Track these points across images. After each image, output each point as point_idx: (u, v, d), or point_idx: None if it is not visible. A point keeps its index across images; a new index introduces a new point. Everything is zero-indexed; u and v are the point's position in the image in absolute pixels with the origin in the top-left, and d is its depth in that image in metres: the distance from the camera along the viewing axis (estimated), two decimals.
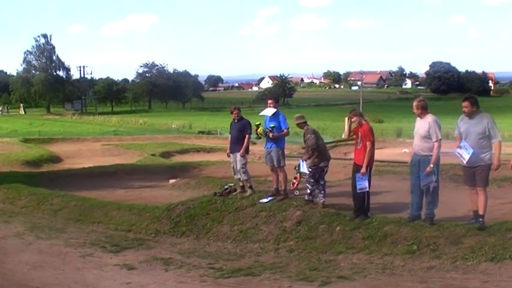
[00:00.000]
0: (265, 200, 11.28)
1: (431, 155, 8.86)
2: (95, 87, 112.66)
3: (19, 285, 8.02)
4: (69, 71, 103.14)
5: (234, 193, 12.09)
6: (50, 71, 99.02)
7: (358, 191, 9.66)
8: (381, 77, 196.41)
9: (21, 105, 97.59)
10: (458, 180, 12.20)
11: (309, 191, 10.91)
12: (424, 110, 9.07)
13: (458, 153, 8.71)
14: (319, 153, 10.77)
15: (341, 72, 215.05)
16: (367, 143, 9.57)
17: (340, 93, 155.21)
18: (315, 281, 7.57)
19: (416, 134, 9.19)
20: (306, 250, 9.49)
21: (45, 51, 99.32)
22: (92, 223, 12.49)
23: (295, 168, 12.85)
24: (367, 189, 9.65)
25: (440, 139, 8.89)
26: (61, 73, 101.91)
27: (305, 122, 11.00)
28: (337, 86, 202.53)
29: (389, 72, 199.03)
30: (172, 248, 10.36)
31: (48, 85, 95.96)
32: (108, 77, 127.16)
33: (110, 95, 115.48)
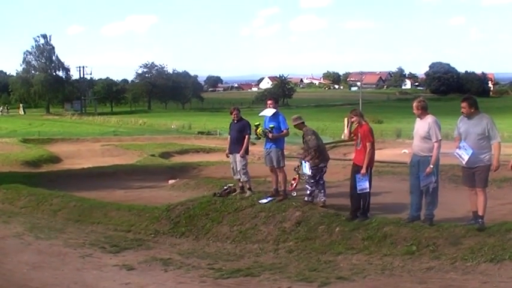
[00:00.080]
0: (264, 201, 11.27)
1: (430, 156, 8.87)
2: (95, 87, 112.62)
3: (18, 286, 8.02)
4: (69, 71, 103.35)
5: (233, 194, 12.09)
6: (49, 71, 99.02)
7: (358, 192, 9.67)
8: (381, 77, 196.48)
9: (21, 105, 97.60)
10: (457, 181, 12.20)
11: (308, 191, 10.92)
12: (424, 111, 9.08)
13: (458, 153, 8.72)
14: (319, 153, 10.82)
15: (340, 73, 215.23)
16: (367, 144, 9.58)
17: (340, 94, 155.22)
18: (314, 281, 7.58)
19: (415, 134, 9.19)
20: (305, 251, 9.49)
21: (44, 51, 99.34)
22: (91, 223, 12.49)
23: (295, 169, 12.84)
24: (368, 190, 9.66)
25: (440, 140, 8.89)
26: (61, 73, 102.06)
27: (303, 123, 11.04)
28: (336, 86, 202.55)
29: (389, 73, 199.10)
30: (172, 248, 10.36)
31: (47, 85, 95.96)
32: (107, 78, 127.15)
33: (109, 95, 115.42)
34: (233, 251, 10.04)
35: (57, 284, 8.08)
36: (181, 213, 11.75)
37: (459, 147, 8.69)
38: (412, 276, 7.68)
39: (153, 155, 30.53)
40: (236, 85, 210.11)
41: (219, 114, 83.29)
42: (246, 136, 11.72)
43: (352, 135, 9.97)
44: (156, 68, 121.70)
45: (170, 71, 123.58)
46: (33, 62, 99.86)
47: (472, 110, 8.69)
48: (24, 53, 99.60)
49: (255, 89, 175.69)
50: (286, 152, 12.08)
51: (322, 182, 10.90)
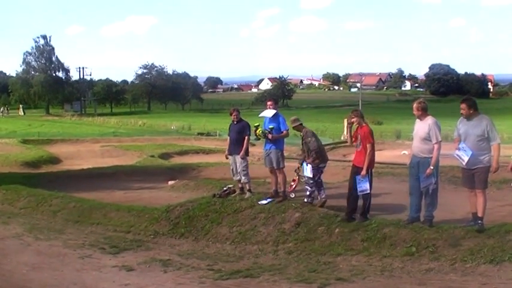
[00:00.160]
0: (264, 202, 11.27)
1: (430, 157, 8.87)
2: (94, 88, 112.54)
3: (18, 287, 8.02)
4: (69, 72, 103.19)
5: (233, 195, 12.09)
6: (49, 72, 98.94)
7: (359, 193, 9.67)
8: (380, 79, 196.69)
9: (21, 106, 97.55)
10: (457, 182, 12.21)
11: (308, 192, 10.93)
12: (424, 112, 9.08)
13: (457, 155, 8.73)
14: (320, 155, 10.90)
15: (340, 74, 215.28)
16: (367, 145, 9.58)
17: (339, 95, 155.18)
18: (313, 282, 7.58)
19: (415, 135, 9.20)
20: (304, 252, 9.49)
21: (44, 52, 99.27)
22: (90, 224, 12.48)
23: (295, 170, 12.83)
24: (368, 191, 9.66)
25: (440, 141, 8.90)
26: (60, 74, 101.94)
27: (301, 124, 11.08)
28: (336, 87, 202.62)
29: (389, 74, 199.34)
30: (171, 249, 10.36)
31: (47, 86, 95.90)
32: (107, 78, 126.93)
33: (109, 96, 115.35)
34: (232, 252, 10.04)
35: (57, 284, 8.08)
36: (180, 214, 11.74)
37: (459, 149, 8.70)
38: (411, 278, 7.68)
39: (152, 156, 30.51)
40: (236, 86, 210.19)
41: (219, 115, 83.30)
42: (246, 137, 11.72)
43: (353, 137, 9.97)
44: (155, 68, 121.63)
45: (170, 71, 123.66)
46: (33, 63, 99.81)
47: (471, 112, 8.70)
48: (24, 54, 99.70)
49: (254, 90, 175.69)
50: (285, 153, 12.08)
51: (320, 181, 10.97)
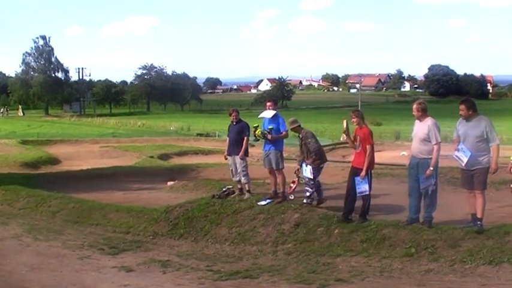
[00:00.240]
0: (263, 203, 11.28)
1: (429, 158, 8.88)
2: (94, 89, 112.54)
3: (17, 287, 8.01)
4: (68, 72, 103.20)
5: (232, 195, 12.09)
6: (48, 72, 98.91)
7: (357, 195, 9.68)
8: (380, 79, 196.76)
9: (20, 106, 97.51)
10: (456, 183, 12.21)
11: (308, 193, 10.94)
12: (424, 113, 9.09)
13: (457, 156, 8.73)
14: (320, 155, 10.97)
15: (339, 75, 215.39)
16: (367, 147, 9.58)
17: (339, 96, 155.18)
18: (313, 283, 7.58)
19: (415, 136, 9.20)
20: (304, 253, 9.49)
21: (43, 52, 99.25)
22: (90, 225, 12.47)
23: (295, 172, 12.83)
24: (368, 193, 9.65)
25: (440, 142, 8.90)
26: (60, 75, 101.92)
27: (299, 126, 11.10)
28: (335, 88, 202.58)
29: (388, 75, 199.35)
30: (171, 250, 10.36)
31: (46, 87, 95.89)
32: (106, 79, 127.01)
33: (108, 97, 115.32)
34: (232, 253, 10.04)
35: (56, 285, 8.07)
36: (180, 215, 11.74)
37: (458, 150, 8.70)
38: (410, 279, 7.68)
39: (151, 157, 30.48)
40: (235, 87, 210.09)
41: (218, 116, 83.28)
42: (245, 138, 11.72)
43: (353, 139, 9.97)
44: (155, 69, 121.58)
45: (169, 72, 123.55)
46: (32, 64, 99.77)
47: (470, 113, 8.70)
48: (23, 54, 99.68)
49: (254, 90, 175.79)
50: (285, 154, 12.09)
51: (317, 180, 11.03)
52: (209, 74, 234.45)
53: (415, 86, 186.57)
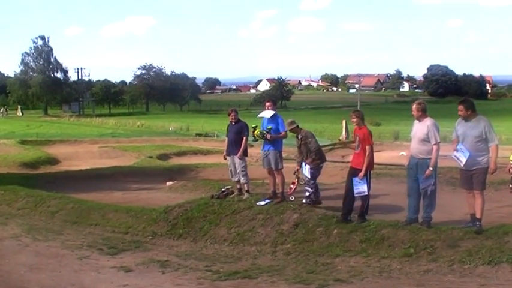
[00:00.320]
0: (262, 203, 11.28)
1: (429, 158, 8.88)
2: (93, 89, 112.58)
3: None
4: (67, 72, 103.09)
5: (231, 195, 12.09)
6: (47, 72, 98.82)
7: (355, 195, 9.68)
8: (379, 80, 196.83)
9: (19, 107, 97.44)
10: (455, 184, 12.21)
11: (307, 193, 10.94)
12: (423, 113, 9.10)
13: (455, 156, 8.74)
14: (320, 155, 11.01)
15: (339, 75, 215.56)
16: (367, 147, 9.58)
17: (338, 96, 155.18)
18: (312, 284, 7.58)
19: (414, 136, 9.20)
20: (303, 253, 9.49)
21: (42, 53, 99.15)
22: (89, 225, 12.47)
23: (294, 173, 12.82)
24: (366, 193, 9.65)
25: (439, 142, 8.91)
26: (59, 75, 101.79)
27: (297, 126, 11.12)
28: (334, 88, 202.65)
29: (387, 75, 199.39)
30: (170, 250, 10.36)
31: (45, 87, 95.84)
32: (105, 79, 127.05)
33: (107, 97, 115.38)
34: (231, 253, 10.04)
35: (55, 286, 8.07)
36: (179, 215, 11.74)
37: (457, 150, 8.71)
38: (409, 279, 7.68)
39: (151, 157, 30.44)
40: (234, 87, 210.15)
41: (217, 116, 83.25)
42: (244, 138, 11.71)
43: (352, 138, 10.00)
44: (154, 69, 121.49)
45: (168, 72, 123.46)
46: (31, 64, 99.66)
47: (469, 113, 8.70)
48: (22, 55, 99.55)
49: (253, 91, 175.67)
50: (284, 154, 12.09)
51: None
52: (208, 74, 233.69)
53: (414, 86, 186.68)
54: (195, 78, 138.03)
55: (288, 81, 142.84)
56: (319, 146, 11.30)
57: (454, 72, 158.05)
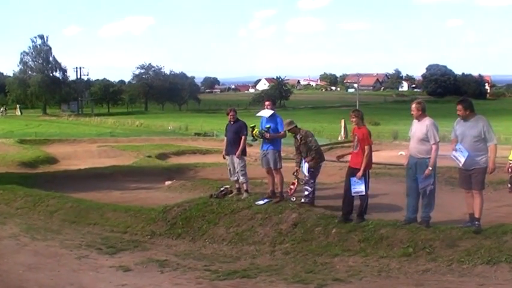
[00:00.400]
0: (261, 202, 11.28)
1: (428, 158, 8.89)
2: (91, 88, 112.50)
3: (14, 287, 8.00)
4: (66, 72, 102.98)
5: (230, 195, 12.09)
6: (46, 72, 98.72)
7: (353, 195, 9.68)
8: (378, 79, 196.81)
9: (18, 106, 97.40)
10: (454, 183, 12.22)
11: (307, 192, 10.94)
12: (423, 113, 9.11)
13: (454, 156, 8.74)
14: (320, 154, 11.05)
15: (337, 75, 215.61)
16: (366, 147, 9.57)
17: (337, 96, 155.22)
18: (310, 283, 7.57)
19: (413, 136, 9.20)
20: (301, 252, 9.49)
21: (41, 52, 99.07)
22: (87, 225, 12.46)
23: (293, 173, 12.80)
24: (364, 193, 9.65)
25: (438, 142, 8.91)
26: (57, 74, 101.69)
27: (296, 126, 11.12)
28: (333, 88, 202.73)
29: (386, 75, 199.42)
30: (168, 249, 10.35)
31: (44, 86, 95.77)
32: (104, 79, 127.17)
33: (106, 96, 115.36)
34: (229, 252, 10.03)
35: (53, 285, 8.06)
36: (177, 215, 11.74)
37: (455, 150, 8.71)
38: (408, 279, 7.68)
39: (149, 156, 30.43)
40: (233, 86, 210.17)
41: (216, 116, 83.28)
42: (243, 137, 11.71)
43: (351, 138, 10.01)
44: (153, 69, 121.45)
45: (167, 72, 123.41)
46: (30, 63, 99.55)
47: (468, 113, 8.71)
48: (21, 54, 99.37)
49: (252, 90, 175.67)
50: (283, 154, 12.09)
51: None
52: (207, 73, 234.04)
53: (413, 85, 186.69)
54: (194, 77, 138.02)
55: (286, 81, 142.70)
56: (319, 145, 11.32)
57: (453, 72, 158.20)
